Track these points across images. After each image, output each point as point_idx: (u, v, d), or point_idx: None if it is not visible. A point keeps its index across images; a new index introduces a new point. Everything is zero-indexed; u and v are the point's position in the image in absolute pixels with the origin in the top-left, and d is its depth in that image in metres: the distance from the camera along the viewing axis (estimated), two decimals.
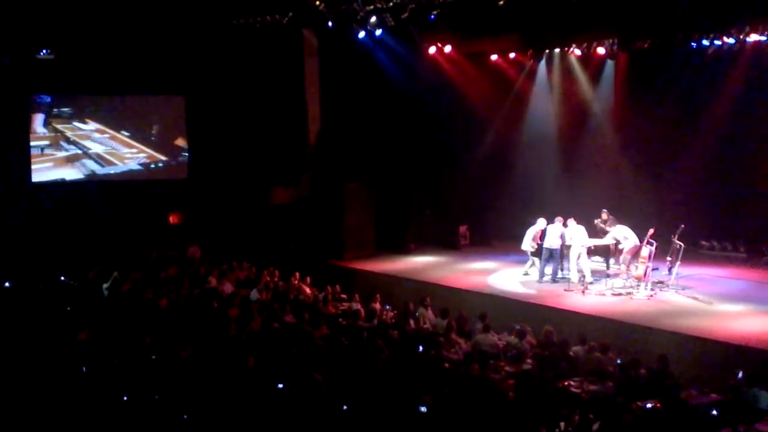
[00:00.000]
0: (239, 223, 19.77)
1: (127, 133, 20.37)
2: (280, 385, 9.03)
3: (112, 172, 20.29)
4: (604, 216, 15.85)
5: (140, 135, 20.52)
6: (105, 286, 14.28)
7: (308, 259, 17.74)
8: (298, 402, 8.52)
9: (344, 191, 18.95)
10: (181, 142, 20.74)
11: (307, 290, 14.59)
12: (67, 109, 20.07)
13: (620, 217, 15.71)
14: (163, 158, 20.71)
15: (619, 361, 10.55)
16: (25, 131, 19.60)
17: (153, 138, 20.63)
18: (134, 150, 20.49)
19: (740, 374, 9.80)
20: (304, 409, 8.32)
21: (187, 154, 20.77)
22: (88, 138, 20.15)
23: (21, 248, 17.48)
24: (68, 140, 20.00)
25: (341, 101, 19.61)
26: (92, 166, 20.16)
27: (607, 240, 15.55)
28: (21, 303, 13.12)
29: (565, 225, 15.46)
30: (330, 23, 17.27)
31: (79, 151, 20.08)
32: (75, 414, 8.31)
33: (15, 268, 15.57)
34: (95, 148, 20.21)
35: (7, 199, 18.73)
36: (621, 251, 15.32)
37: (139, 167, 20.48)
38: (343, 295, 14.51)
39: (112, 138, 20.29)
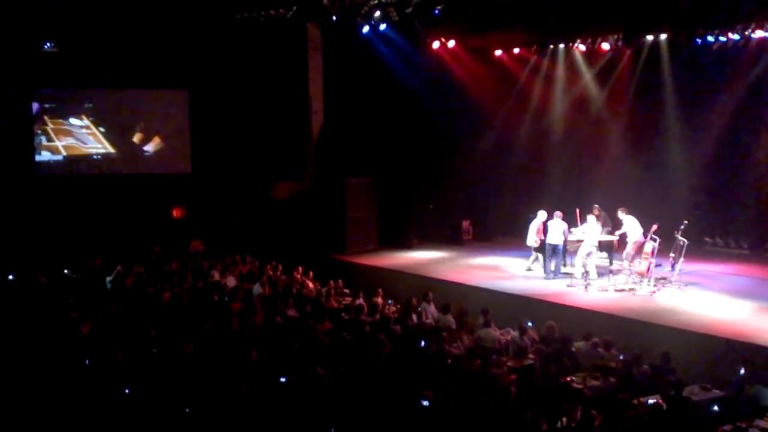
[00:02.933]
0: (242, 218, 19.78)
1: (102, 130, 20.18)
2: (283, 379, 9.04)
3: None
4: (596, 212, 15.85)
5: (111, 131, 20.28)
6: (108, 279, 14.30)
7: (311, 253, 17.75)
8: (300, 396, 8.53)
9: (347, 186, 18.95)
10: (137, 138, 20.48)
11: (310, 284, 14.60)
12: (64, 103, 20.04)
13: (617, 215, 15.68)
14: (112, 152, 20.38)
15: (621, 357, 10.55)
16: (29, 123, 19.64)
17: (114, 133, 20.38)
18: (99, 146, 20.26)
19: (742, 371, 9.80)
20: (307, 404, 8.33)
21: (147, 149, 20.58)
22: (70, 134, 19.98)
23: (24, 241, 17.51)
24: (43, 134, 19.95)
25: (344, 96, 19.60)
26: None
27: (614, 235, 15.53)
28: (24, 296, 13.14)
29: (583, 220, 15.47)
30: (334, 17, 17.27)
31: (43, 142, 19.92)
32: (78, 407, 8.32)
33: (18, 260, 15.60)
34: (61, 141, 19.97)
35: (11, 191, 18.76)
36: (624, 246, 15.33)
37: (60, 158, 20.04)
38: (346, 290, 14.52)
39: (91, 134, 20.14)
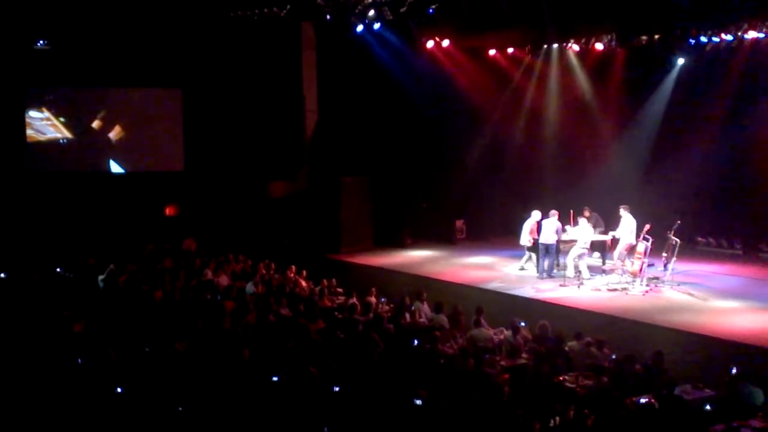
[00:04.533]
0: (236, 216, 19.76)
1: (63, 119, 20.19)
2: (276, 378, 9.03)
3: None
4: (587, 213, 15.86)
5: (74, 122, 20.33)
6: (101, 278, 14.25)
7: (305, 252, 17.74)
8: (293, 395, 8.52)
9: (341, 185, 18.95)
10: (96, 124, 20.49)
11: (303, 283, 14.57)
12: (57, 102, 20.07)
13: (617, 213, 15.71)
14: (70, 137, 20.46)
15: (614, 357, 10.57)
16: (21, 121, 19.57)
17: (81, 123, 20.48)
18: (58, 135, 20.28)
19: (734, 370, 9.82)
20: (300, 403, 8.32)
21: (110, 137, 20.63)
22: (29, 126, 19.97)
23: (17, 239, 17.46)
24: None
25: (338, 95, 19.60)
26: None
27: (610, 234, 15.55)
28: (16, 294, 13.09)
29: (576, 222, 15.51)
30: (328, 16, 17.25)
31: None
32: (70, 406, 8.30)
33: (10, 259, 15.55)
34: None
35: (3, 189, 18.71)
36: (616, 246, 15.36)
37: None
38: (339, 289, 14.50)
39: (52, 125, 20.13)
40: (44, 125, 20.06)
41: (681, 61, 17.64)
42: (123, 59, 19.29)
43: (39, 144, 20.03)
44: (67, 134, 20.31)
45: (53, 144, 20.11)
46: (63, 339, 10.32)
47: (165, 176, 20.39)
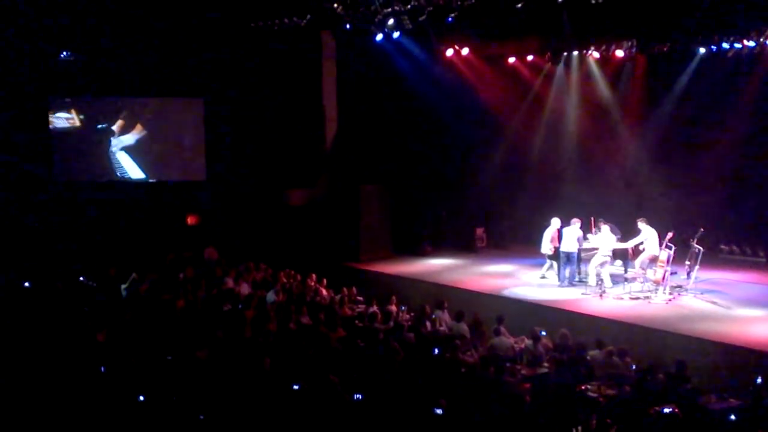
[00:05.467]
0: (256, 225, 19.85)
1: (81, 116, 20.39)
2: (296, 387, 9.05)
3: None
4: (603, 224, 15.73)
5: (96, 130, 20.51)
6: (123, 286, 14.37)
7: (324, 260, 17.77)
8: (313, 404, 8.53)
9: (361, 193, 18.97)
10: (116, 128, 20.65)
11: (324, 292, 14.60)
12: (83, 111, 20.31)
13: (635, 225, 15.58)
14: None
15: (636, 366, 10.49)
16: (45, 131, 19.81)
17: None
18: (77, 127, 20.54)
19: (759, 379, 9.72)
20: (320, 411, 8.33)
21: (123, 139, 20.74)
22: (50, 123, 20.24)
23: (40, 248, 17.65)
24: None
25: (358, 103, 19.66)
26: None
27: (631, 242, 15.42)
28: (40, 303, 13.23)
29: (598, 228, 15.41)
30: (348, 26, 17.32)
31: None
32: (93, 414, 8.36)
33: (34, 268, 15.71)
34: None
35: (28, 199, 18.95)
36: (638, 255, 15.23)
37: None
38: (360, 297, 14.51)
39: (72, 123, 20.38)
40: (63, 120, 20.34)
41: (703, 67, 17.49)
42: (145, 69, 19.51)
43: (62, 152, 20.26)
44: (88, 141, 20.55)
45: (76, 154, 20.34)
46: (86, 348, 10.42)
47: (187, 185, 20.55)
